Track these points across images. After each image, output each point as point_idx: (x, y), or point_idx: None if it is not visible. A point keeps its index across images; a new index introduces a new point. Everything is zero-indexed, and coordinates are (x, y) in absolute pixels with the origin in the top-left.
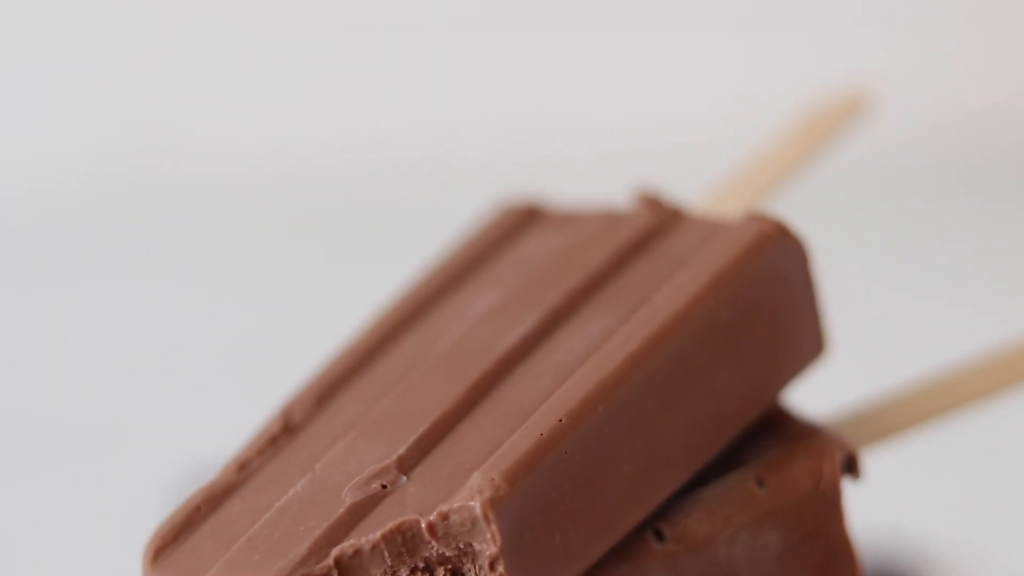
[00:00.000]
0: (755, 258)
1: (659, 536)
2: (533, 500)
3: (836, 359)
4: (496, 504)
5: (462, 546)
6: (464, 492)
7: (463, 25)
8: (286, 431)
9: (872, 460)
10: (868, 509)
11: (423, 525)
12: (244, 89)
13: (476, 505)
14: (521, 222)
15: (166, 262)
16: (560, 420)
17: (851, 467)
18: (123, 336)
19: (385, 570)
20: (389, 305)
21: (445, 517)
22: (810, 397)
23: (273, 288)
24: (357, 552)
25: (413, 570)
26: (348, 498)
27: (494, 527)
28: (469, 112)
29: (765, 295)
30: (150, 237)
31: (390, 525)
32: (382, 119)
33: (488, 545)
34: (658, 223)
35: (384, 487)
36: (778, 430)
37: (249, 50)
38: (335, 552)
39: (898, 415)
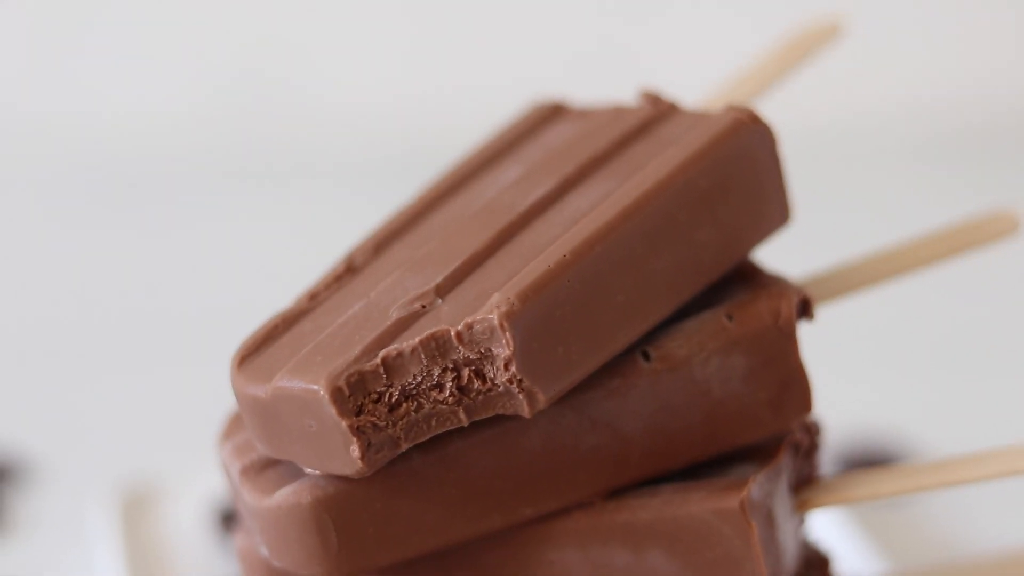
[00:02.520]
0: (730, 138)
1: (646, 356)
2: (540, 316)
3: (802, 237)
4: (510, 317)
5: (483, 351)
6: (486, 308)
7: None
8: (349, 271)
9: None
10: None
11: (452, 333)
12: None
13: (494, 317)
14: (548, 116)
15: (273, 193)
16: (564, 256)
17: (805, 309)
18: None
19: (421, 369)
20: (436, 178)
21: (470, 327)
22: (778, 262)
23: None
24: (399, 354)
25: (444, 370)
26: (394, 314)
27: (508, 335)
28: None
29: (738, 168)
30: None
31: (426, 333)
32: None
33: (503, 349)
34: (657, 114)
35: (424, 307)
36: (747, 279)
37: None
38: (382, 354)
39: (847, 279)
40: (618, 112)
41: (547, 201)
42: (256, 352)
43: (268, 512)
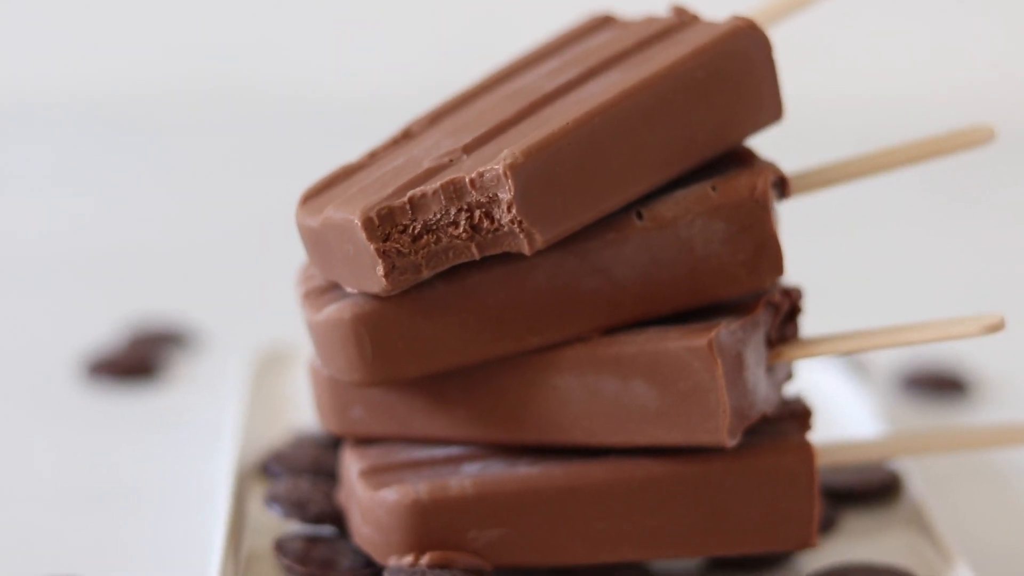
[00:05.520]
0: (729, 39)
1: (639, 216)
2: (541, 169)
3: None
4: (513, 167)
5: (491, 195)
6: (495, 160)
7: None
8: (405, 137)
9: None
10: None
11: (467, 180)
12: None
13: (500, 167)
14: (598, 24)
15: None
16: (567, 123)
17: (782, 186)
18: None
19: (441, 208)
20: (491, 71)
21: (481, 175)
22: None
23: None
24: (423, 195)
25: (459, 210)
26: (426, 165)
27: (511, 182)
28: None
29: (733, 65)
30: None
31: (447, 179)
32: None
33: (507, 194)
34: (680, 22)
35: (450, 161)
36: (740, 161)
37: None
38: (409, 194)
39: (836, 172)
40: (649, 20)
41: (569, 86)
42: (318, 194)
43: (317, 326)
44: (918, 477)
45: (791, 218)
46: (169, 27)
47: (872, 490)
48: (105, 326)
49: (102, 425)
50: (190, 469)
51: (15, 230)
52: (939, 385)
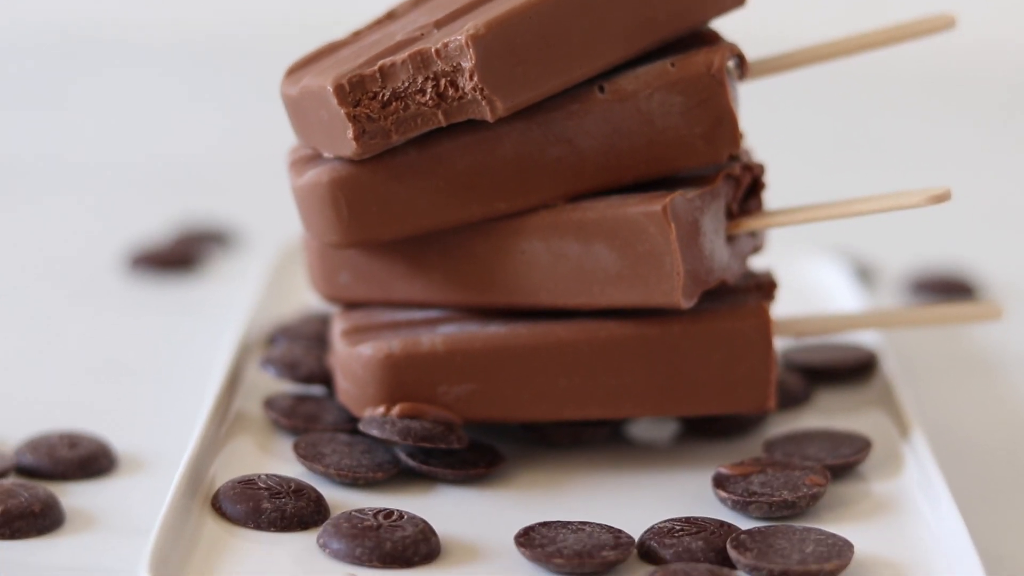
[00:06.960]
0: None
1: (601, 89)
2: (502, 40)
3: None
4: (475, 38)
5: (455, 64)
6: (459, 32)
7: None
8: (388, 17)
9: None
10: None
11: (433, 50)
12: None
13: (462, 37)
14: None
15: None
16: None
17: (741, 65)
18: None
19: (409, 76)
20: None
21: (446, 45)
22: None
23: None
24: (392, 64)
25: (426, 79)
26: (398, 38)
27: (472, 51)
28: None
29: None
30: None
31: (414, 49)
32: None
33: (469, 63)
34: None
35: (422, 34)
36: (699, 40)
37: None
38: (379, 63)
39: (794, 57)
40: None
41: None
42: (302, 68)
43: (299, 189)
44: (893, 358)
45: (775, 100)
46: None
47: (847, 368)
48: (158, 224)
49: (137, 310)
50: (209, 346)
51: (92, 141)
52: (946, 289)
